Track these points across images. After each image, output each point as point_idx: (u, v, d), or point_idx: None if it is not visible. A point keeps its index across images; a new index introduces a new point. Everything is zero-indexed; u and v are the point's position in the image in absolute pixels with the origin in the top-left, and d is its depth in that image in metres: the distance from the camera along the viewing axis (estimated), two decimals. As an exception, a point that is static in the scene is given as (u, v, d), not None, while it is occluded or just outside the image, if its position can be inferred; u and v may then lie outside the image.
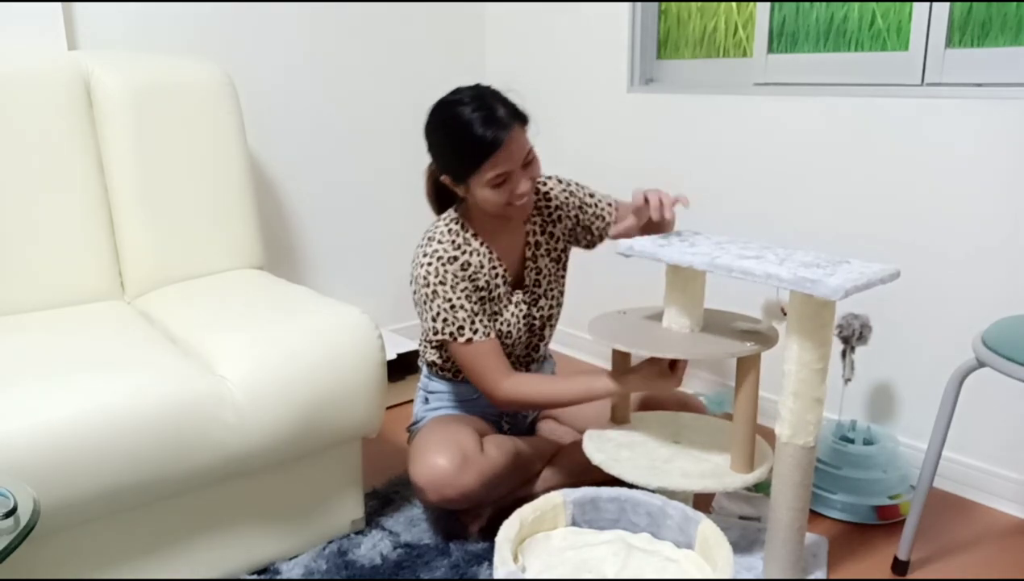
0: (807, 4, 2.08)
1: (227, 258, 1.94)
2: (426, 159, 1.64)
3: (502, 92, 1.55)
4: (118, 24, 2.05)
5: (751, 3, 2.18)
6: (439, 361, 1.76)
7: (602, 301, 2.62)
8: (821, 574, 1.56)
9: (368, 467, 1.96)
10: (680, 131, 2.33)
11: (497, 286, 1.66)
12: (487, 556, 1.61)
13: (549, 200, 1.73)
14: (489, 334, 1.61)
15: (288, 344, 1.48)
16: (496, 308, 1.67)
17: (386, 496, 1.85)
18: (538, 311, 1.75)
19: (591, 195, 1.77)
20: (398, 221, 2.73)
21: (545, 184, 1.74)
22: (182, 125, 1.87)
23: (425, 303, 1.59)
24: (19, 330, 1.56)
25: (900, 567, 1.59)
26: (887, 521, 1.75)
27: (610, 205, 1.77)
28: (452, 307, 1.57)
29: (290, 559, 1.61)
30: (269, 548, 1.59)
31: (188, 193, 1.88)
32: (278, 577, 1.56)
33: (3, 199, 1.68)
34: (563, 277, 1.80)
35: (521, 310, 1.71)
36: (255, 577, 1.56)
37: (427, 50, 2.68)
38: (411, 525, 1.73)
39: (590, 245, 1.80)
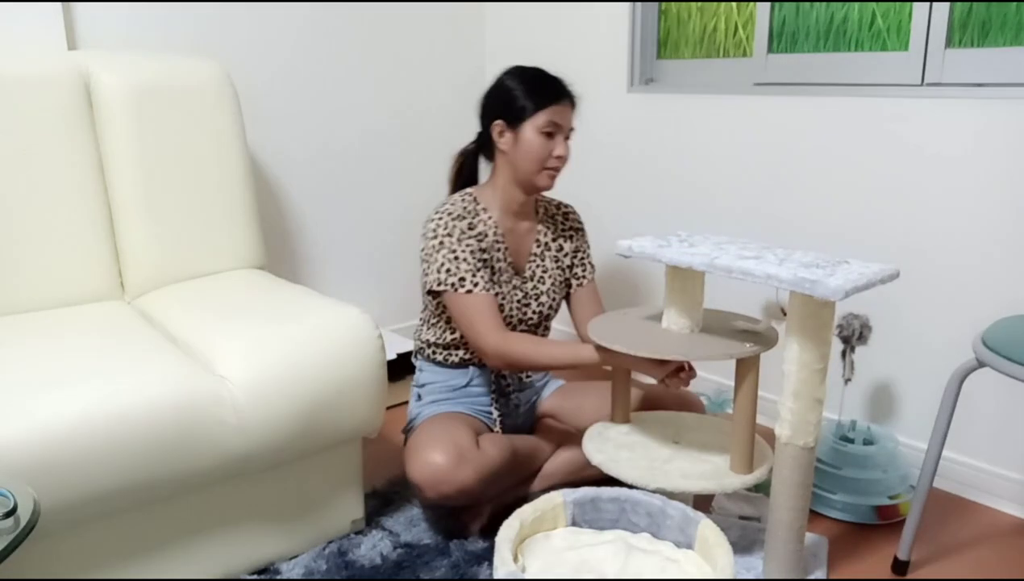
0: (807, 4, 2.08)
1: (227, 258, 1.94)
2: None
3: None
4: (118, 24, 2.05)
5: (751, 3, 2.18)
6: (433, 339, 1.79)
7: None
8: (821, 574, 1.56)
9: (368, 467, 1.96)
10: (680, 131, 2.33)
11: (499, 260, 1.72)
12: (487, 556, 1.61)
13: (567, 217, 1.86)
14: (488, 290, 1.66)
15: (288, 344, 1.48)
16: (495, 279, 1.71)
17: (386, 496, 1.85)
18: (537, 304, 1.79)
19: (587, 244, 1.89)
20: (398, 221, 2.73)
21: (568, 207, 1.88)
22: (182, 125, 1.87)
23: (431, 256, 1.66)
24: (19, 330, 1.56)
25: (900, 567, 1.59)
26: (887, 521, 1.75)
27: (590, 278, 1.86)
28: (456, 259, 1.64)
29: (290, 559, 1.61)
30: (269, 548, 1.59)
31: (188, 193, 1.88)
32: (278, 577, 1.56)
33: (3, 199, 1.67)
34: (564, 290, 1.85)
35: (516, 295, 1.75)
36: (255, 577, 1.56)
37: (427, 50, 2.68)
38: (411, 525, 1.73)
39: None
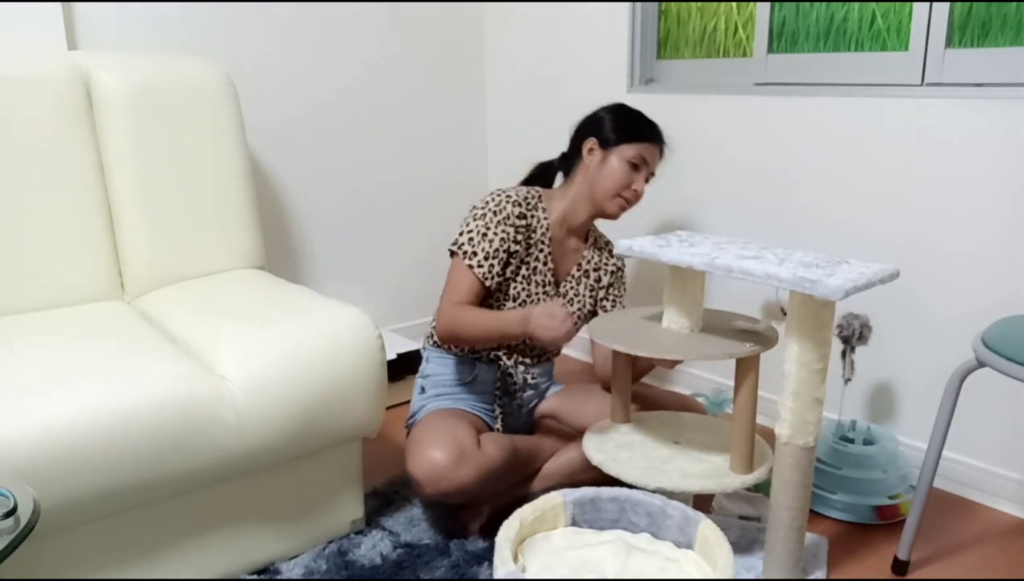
0: (807, 4, 2.08)
1: (227, 258, 1.94)
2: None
3: None
4: (118, 24, 2.05)
5: (751, 3, 2.18)
6: None
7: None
8: (821, 574, 1.57)
9: (368, 467, 1.96)
10: (680, 131, 2.33)
11: (538, 260, 1.76)
12: (487, 556, 1.61)
13: (611, 255, 1.90)
14: (485, 281, 1.69)
15: (288, 344, 1.48)
16: (524, 273, 1.75)
17: (386, 496, 1.85)
18: None
19: (623, 286, 1.93)
20: (398, 221, 2.73)
21: (615, 248, 1.85)
22: (182, 125, 1.87)
23: (467, 221, 1.72)
24: (19, 330, 1.56)
25: (900, 567, 1.59)
26: (887, 521, 1.75)
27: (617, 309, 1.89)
28: (484, 236, 1.68)
29: (290, 559, 1.61)
30: (269, 548, 1.59)
31: (188, 193, 1.88)
32: (278, 577, 1.56)
33: (3, 199, 1.68)
34: (588, 319, 1.87)
35: (541, 298, 1.78)
36: (255, 577, 1.56)
37: (427, 50, 2.68)
38: (411, 525, 1.74)
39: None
